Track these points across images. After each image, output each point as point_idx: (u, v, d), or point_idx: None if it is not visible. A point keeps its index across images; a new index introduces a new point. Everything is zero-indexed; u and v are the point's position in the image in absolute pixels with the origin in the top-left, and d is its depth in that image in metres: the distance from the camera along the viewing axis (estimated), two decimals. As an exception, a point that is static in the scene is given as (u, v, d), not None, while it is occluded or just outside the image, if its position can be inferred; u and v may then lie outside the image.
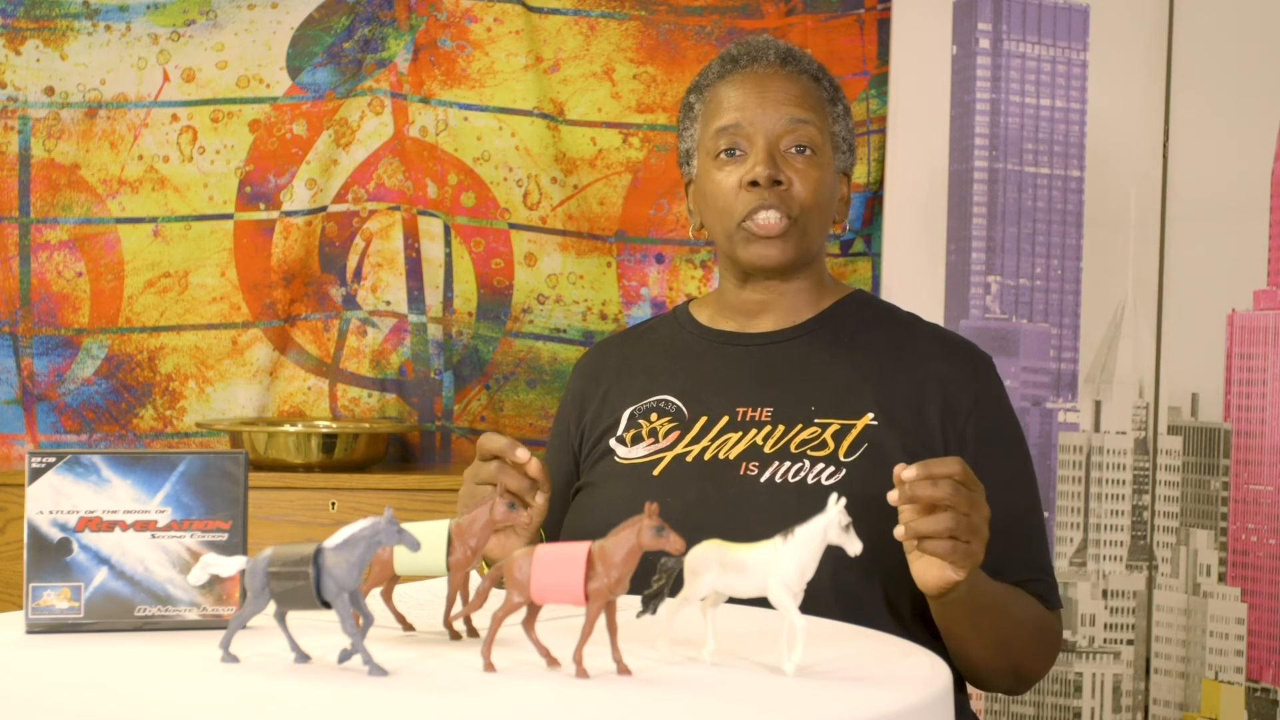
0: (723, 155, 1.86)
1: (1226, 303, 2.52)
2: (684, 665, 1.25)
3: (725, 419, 1.81)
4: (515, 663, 1.24)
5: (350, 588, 1.21)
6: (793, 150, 1.84)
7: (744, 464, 1.76)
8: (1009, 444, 1.83)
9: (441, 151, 3.02)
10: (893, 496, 1.53)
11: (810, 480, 1.73)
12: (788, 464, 1.75)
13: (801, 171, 1.84)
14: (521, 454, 1.65)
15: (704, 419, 1.82)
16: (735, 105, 1.86)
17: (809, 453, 1.75)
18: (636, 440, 1.84)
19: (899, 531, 1.53)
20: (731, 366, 1.88)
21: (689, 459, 1.79)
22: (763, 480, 1.74)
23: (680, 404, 1.85)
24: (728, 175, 1.85)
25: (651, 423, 1.85)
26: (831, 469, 1.74)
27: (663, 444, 1.82)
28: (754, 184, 1.82)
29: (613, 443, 1.86)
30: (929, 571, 1.56)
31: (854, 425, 1.77)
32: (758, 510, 1.72)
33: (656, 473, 1.80)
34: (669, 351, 1.94)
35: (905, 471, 1.51)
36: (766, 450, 1.77)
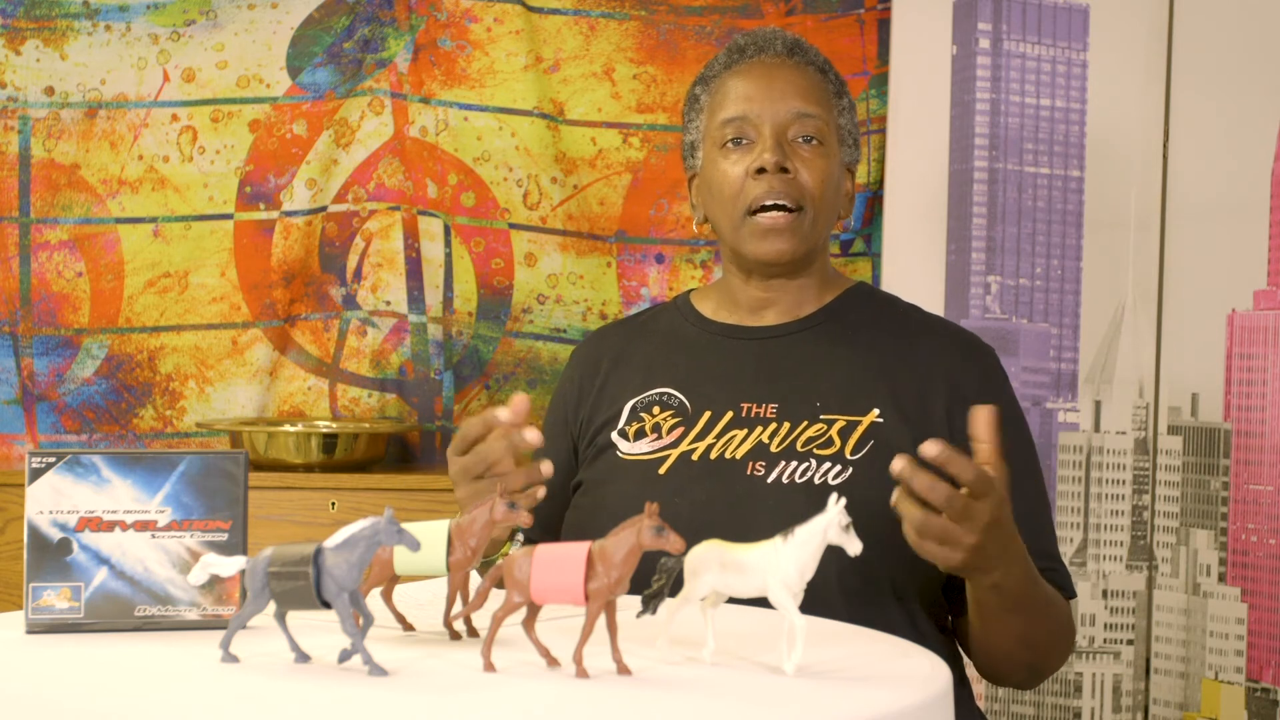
0: (729, 144, 1.85)
1: (1226, 303, 2.52)
2: (684, 665, 1.25)
3: (729, 415, 1.80)
4: (515, 663, 1.24)
5: (350, 588, 1.21)
6: (799, 140, 1.83)
7: (750, 463, 1.75)
8: (1015, 437, 1.80)
9: (441, 151, 3.02)
10: (896, 468, 1.47)
11: (817, 480, 1.72)
12: (794, 463, 1.74)
13: (808, 161, 1.82)
14: (531, 435, 1.58)
15: (708, 414, 1.81)
16: (742, 96, 1.85)
17: (815, 451, 1.74)
18: (639, 435, 1.82)
19: (893, 500, 1.48)
20: (734, 360, 1.86)
21: (694, 457, 1.78)
22: (769, 481, 1.73)
23: (683, 397, 1.83)
24: (734, 164, 1.84)
25: (654, 416, 1.83)
26: (838, 468, 1.73)
27: (667, 440, 1.80)
28: (761, 171, 1.81)
29: (614, 436, 1.84)
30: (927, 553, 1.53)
31: (860, 422, 1.76)
32: (765, 511, 1.70)
33: (662, 471, 1.78)
34: (670, 342, 1.91)
35: (928, 449, 1.46)
36: (773, 449, 1.75)
